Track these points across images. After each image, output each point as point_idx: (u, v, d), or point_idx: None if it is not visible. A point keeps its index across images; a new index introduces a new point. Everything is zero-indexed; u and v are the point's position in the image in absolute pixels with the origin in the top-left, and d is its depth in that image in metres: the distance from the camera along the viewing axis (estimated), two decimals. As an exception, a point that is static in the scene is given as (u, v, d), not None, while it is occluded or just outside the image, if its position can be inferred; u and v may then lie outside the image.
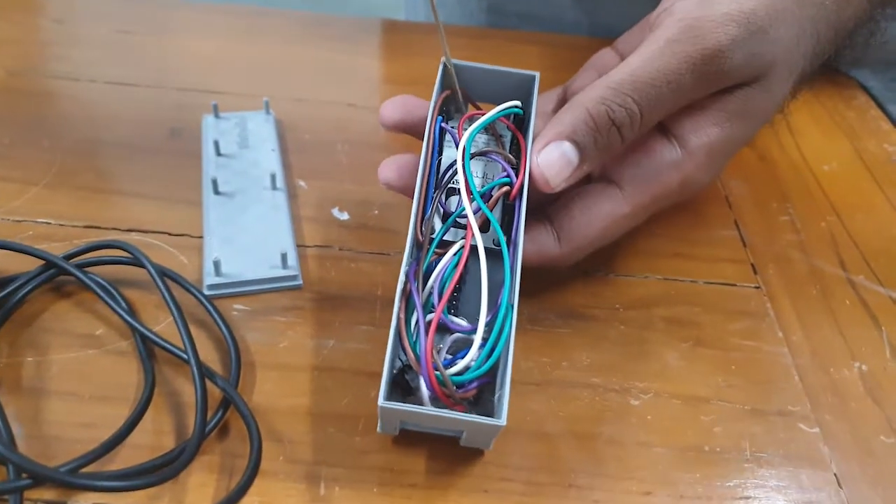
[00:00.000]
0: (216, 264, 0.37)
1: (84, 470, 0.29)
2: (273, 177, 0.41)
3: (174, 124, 0.46)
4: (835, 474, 0.33)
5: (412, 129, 0.37)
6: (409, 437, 0.32)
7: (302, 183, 0.43)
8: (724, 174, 0.46)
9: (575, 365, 0.36)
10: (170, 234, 0.40)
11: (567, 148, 0.33)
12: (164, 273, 0.36)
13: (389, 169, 0.37)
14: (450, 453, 0.32)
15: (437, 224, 0.34)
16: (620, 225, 0.36)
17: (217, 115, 0.45)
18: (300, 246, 0.40)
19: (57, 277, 0.37)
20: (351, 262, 0.39)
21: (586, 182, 0.37)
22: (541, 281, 0.39)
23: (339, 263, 0.39)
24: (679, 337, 0.37)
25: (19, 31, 0.54)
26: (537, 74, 0.37)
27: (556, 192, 0.36)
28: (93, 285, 0.35)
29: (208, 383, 0.32)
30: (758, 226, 0.43)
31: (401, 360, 0.31)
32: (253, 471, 0.29)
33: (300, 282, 0.37)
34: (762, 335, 0.38)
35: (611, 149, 0.34)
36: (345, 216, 0.41)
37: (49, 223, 0.40)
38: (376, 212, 0.42)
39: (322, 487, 0.30)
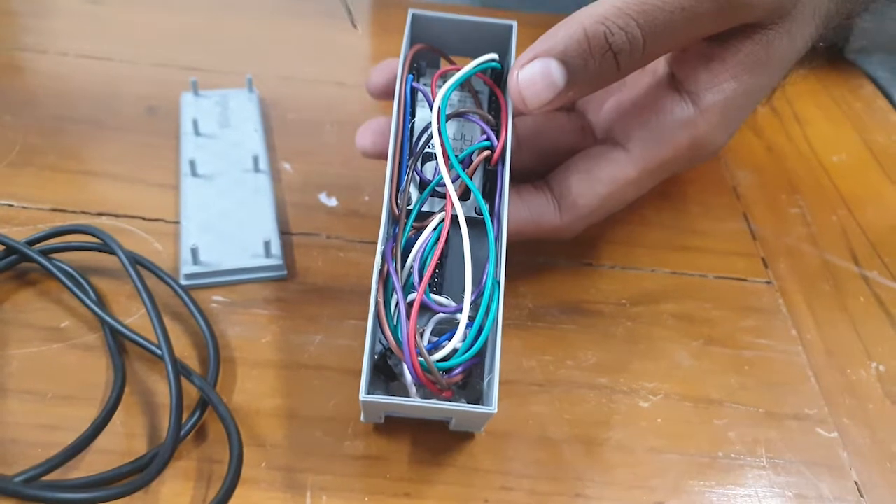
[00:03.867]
0: (194, 252, 0.34)
1: (45, 478, 0.27)
2: (256, 158, 0.38)
3: (151, 102, 0.43)
4: (855, 482, 0.31)
5: None
6: (399, 437, 0.30)
7: (287, 165, 0.40)
8: (732, 164, 0.44)
9: (580, 364, 0.33)
10: (144, 219, 0.37)
11: (553, 67, 0.29)
12: (136, 261, 0.33)
13: (364, 136, 0.34)
14: (447, 457, 0.29)
15: (414, 195, 0.31)
16: (626, 191, 0.33)
17: (196, 93, 0.42)
18: (284, 233, 0.37)
19: (19, 264, 0.34)
20: (339, 252, 0.36)
21: (590, 144, 0.34)
22: (542, 274, 0.36)
23: (326, 252, 0.36)
24: (689, 334, 0.35)
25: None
26: (514, 24, 0.33)
27: (554, 162, 0.33)
28: (58, 273, 0.32)
29: (184, 382, 0.29)
30: (767, 218, 0.41)
31: (382, 344, 0.29)
32: (233, 479, 0.27)
33: (284, 272, 0.35)
34: (775, 333, 0.36)
35: (603, 77, 0.30)
36: (333, 202, 0.39)
37: (11, 205, 0.37)
38: (367, 198, 0.39)
39: (308, 497, 0.28)
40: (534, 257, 0.37)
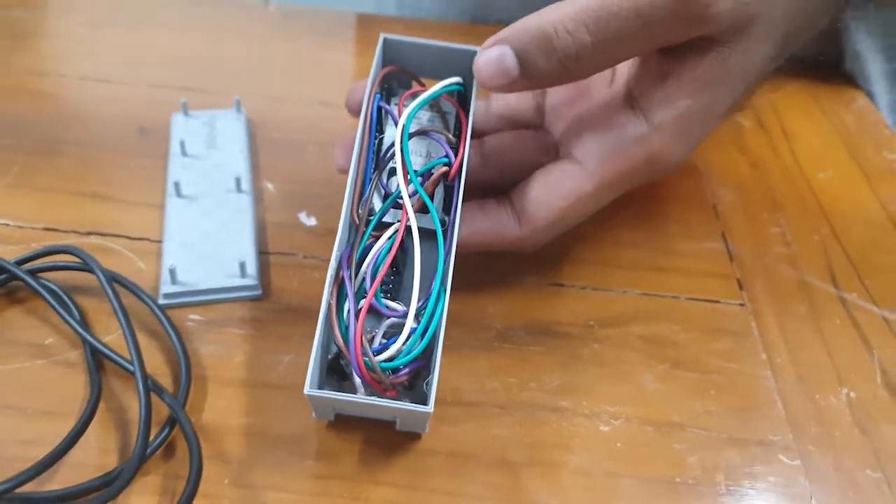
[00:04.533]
0: (172, 272, 0.35)
1: (18, 490, 0.28)
2: (238, 180, 0.40)
3: (143, 122, 0.44)
4: (814, 510, 0.31)
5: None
6: (367, 460, 0.31)
7: (270, 185, 0.41)
8: (714, 181, 0.44)
9: (543, 386, 0.34)
10: (129, 238, 0.38)
11: (508, 55, 0.31)
12: (115, 279, 0.34)
13: (340, 154, 0.36)
14: (409, 478, 0.30)
15: (378, 205, 0.32)
16: (584, 204, 0.34)
17: (186, 114, 0.44)
18: (263, 253, 0.38)
19: (10, 283, 0.35)
20: (314, 271, 0.37)
21: (550, 160, 0.35)
22: (512, 294, 0.37)
23: (301, 272, 0.37)
24: (657, 357, 0.35)
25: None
26: (479, 49, 0.34)
27: (519, 178, 0.34)
28: (43, 292, 0.34)
29: (156, 399, 0.31)
30: (746, 238, 0.41)
31: (337, 346, 0.30)
32: (189, 496, 0.28)
33: (259, 292, 0.36)
34: (745, 357, 0.36)
35: (552, 76, 0.31)
36: (312, 221, 0.40)
37: (7, 225, 0.38)
38: (346, 218, 0.40)
39: (268, 514, 0.29)
40: (504, 277, 0.38)
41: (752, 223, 0.42)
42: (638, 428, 0.33)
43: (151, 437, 0.30)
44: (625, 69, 0.36)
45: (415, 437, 0.31)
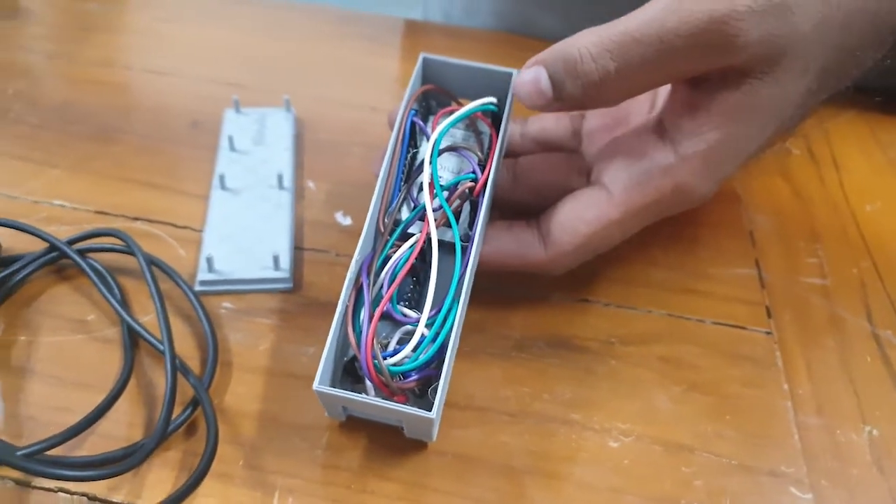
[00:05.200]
0: (209, 260, 0.37)
1: (50, 453, 0.30)
2: (280, 176, 0.41)
3: (196, 116, 0.46)
4: (821, 545, 0.30)
5: None
6: (372, 453, 0.32)
7: (311, 184, 0.43)
8: (752, 208, 0.44)
9: (556, 398, 0.34)
10: (174, 226, 0.40)
11: (543, 77, 0.32)
12: (154, 264, 0.36)
13: (377, 162, 0.36)
14: (413, 476, 0.31)
15: (405, 217, 0.33)
16: (610, 232, 0.34)
17: (238, 110, 0.46)
18: (298, 248, 0.39)
19: (60, 260, 0.37)
20: (345, 269, 0.38)
21: (582, 184, 0.36)
22: (536, 307, 0.37)
23: (332, 269, 0.39)
24: (674, 378, 0.35)
25: (62, 16, 0.55)
26: (515, 72, 0.36)
27: (550, 200, 0.35)
28: (89, 271, 0.36)
29: (181, 379, 0.32)
30: (780, 266, 0.41)
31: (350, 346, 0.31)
32: (201, 473, 0.29)
33: (290, 285, 0.37)
34: (765, 385, 0.35)
35: (580, 100, 0.32)
36: (347, 221, 0.41)
37: (63, 206, 0.41)
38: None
39: (276, 498, 0.30)
40: (531, 290, 0.38)
41: (787, 252, 0.42)
42: (647, 447, 0.33)
43: (175, 416, 0.31)
44: (663, 99, 0.36)
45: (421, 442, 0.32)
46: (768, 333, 0.38)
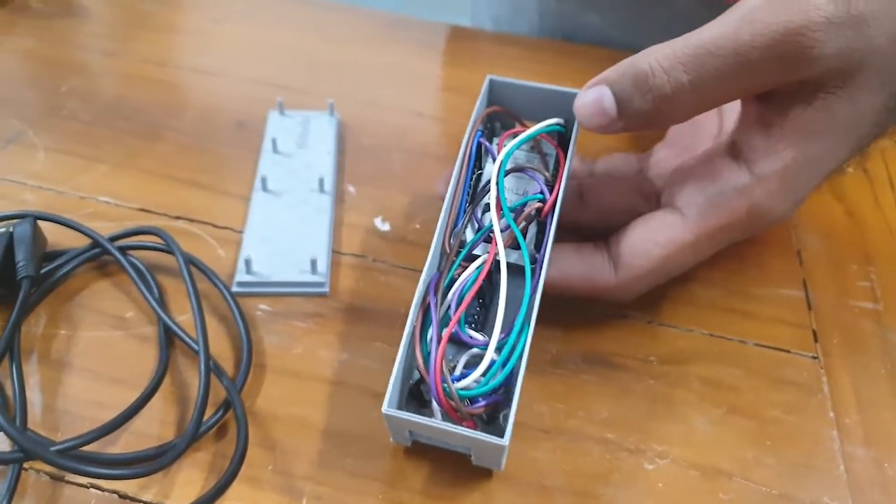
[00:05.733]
0: (247, 262, 0.37)
1: (85, 449, 0.30)
2: (322, 180, 0.41)
3: (242, 117, 0.47)
4: (864, 583, 0.29)
5: None
6: (400, 464, 0.31)
7: (351, 188, 0.43)
8: (801, 227, 0.42)
9: (592, 416, 0.33)
10: (214, 226, 0.40)
11: (606, 95, 0.31)
12: (192, 263, 0.36)
13: (444, 181, 0.36)
14: (438, 489, 0.31)
15: (470, 238, 0.33)
16: (683, 255, 0.33)
17: (282, 112, 0.46)
18: (336, 252, 0.39)
19: (102, 256, 0.38)
20: (381, 275, 0.38)
21: (653, 209, 0.35)
22: (574, 321, 0.37)
23: (369, 275, 0.38)
24: (713, 400, 0.34)
25: (117, 14, 0.56)
26: (580, 91, 0.35)
27: (616, 222, 0.34)
28: (129, 269, 0.36)
29: (215, 381, 0.33)
30: (829, 288, 0.39)
31: (418, 372, 0.31)
32: (230, 476, 0.29)
33: (326, 289, 0.37)
34: (809, 411, 0.34)
35: (650, 116, 0.31)
36: (386, 227, 0.41)
37: (108, 202, 0.41)
38: (418, 226, 0.41)
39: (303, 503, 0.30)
40: (569, 304, 0.37)
41: (837, 274, 0.40)
42: (683, 471, 0.32)
43: (206, 417, 0.32)
44: (733, 121, 0.35)
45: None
46: (814, 358, 0.36)
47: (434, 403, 0.28)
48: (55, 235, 0.38)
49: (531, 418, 0.33)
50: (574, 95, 0.35)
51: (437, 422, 0.28)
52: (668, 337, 0.37)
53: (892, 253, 0.42)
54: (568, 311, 0.37)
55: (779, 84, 0.31)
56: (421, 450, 0.32)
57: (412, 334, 0.30)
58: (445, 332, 0.29)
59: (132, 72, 0.50)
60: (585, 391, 0.34)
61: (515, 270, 0.32)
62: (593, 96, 0.31)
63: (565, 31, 0.58)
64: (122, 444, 0.32)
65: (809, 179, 0.33)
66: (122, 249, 0.37)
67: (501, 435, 0.29)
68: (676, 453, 0.32)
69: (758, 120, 0.32)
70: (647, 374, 0.35)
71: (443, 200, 0.36)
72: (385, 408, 0.28)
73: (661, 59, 0.30)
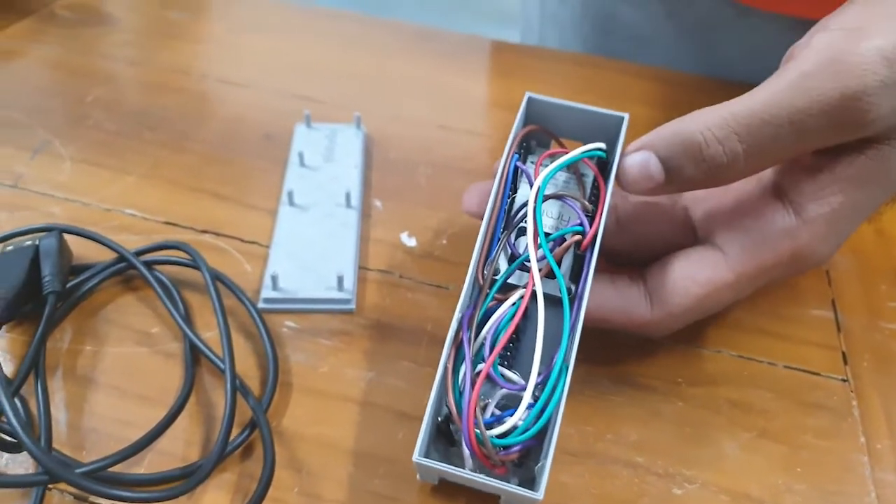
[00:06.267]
0: (274, 278, 0.37)
1: (111, 469, 0.30)
2: (348, 195, 0.41)
3: (269, 129, 0.47)
4: None
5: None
6: (424, 494, 0.31)
7: (378, 203, 0.43)
8: (832, 246, 0.42)
9: (620, 439, 0.33)
10: (241, 241, 0.40)
11: (653, 162, 0.31)
12: (219, 279, 0.36)
13: (471, 196, 0.36)
14: (465, 514, 0.30)
15: (503, 265, 0.32)
16: (722, 294, 0.33)
17: (309, 125, 0.46)
18: (362, 268, 0.39)
19: (128, 271, 0.38)
20: (408, 292, 0.38)
21: (690, 240, 0.35)
22: (601, 341, 0.36)
23: (396, 291, 0.38)
24: (743, 424, 0.34)
25: (145, 23, 0.56)
26: (626, 116, 0.34)
27: (650, 250, 0.34)
28: (155, 284, 0.36)
29: (241, 399, 0.32)
30: (859, 309, 0.39)
31: (448, 408, 0.30)
32: (257, 500, 0.29)
33: (353, 306, 0.37)
34: (841, 436, 0.34)
35: (700, 182, 0.31)
36: (412, 242, 0.41)
37: (134, 215, 0.41)
38: (444, 241, 0.41)
39: (330, 527, 0.30)
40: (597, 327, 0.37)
41: (867, 294, 0.40)
42: (712, 496, 0.32)
43: (233, 437, 0.31)
44: None
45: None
46: (844, 381, 0.36)
47: (465, 448, 0.28)
48: (81, 248, 0.38)
49: (559, 441, 0.33)
50: (616, 118, 0.34)
51: (468, 473, 0.27)
52: (696, 358, 0.36)
53: (923, 273, 0.41)
54: (594, 331, 0.36)
55: (833, 144, 0.31)
56: (448, 488, 0.31)
57: (444, 375, 0.29)
58: (480, 376, 0.28)
59: (158, 81, 0.50)
60: (613, 413, 0.34)
61: (550, 303, 0.31)
62: (639, 160, 0.31)
63: (604, 23, 0.58)
64: (147, 464, 0.32)
65: (854, 223, 0.33)
66: (148, 264, 0.37)
67: (532, 478, 0.28)
68: (706, 478, 0.32)
69: (807, 165, 0.32)
70: (676, 397, 0.35)
71: (470, 216, 0.35)
72: (416, 457, 0.27)
73: (713, 128, 0.30)
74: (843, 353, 0.37)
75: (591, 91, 0.35)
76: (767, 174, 0.34)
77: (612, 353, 0.36)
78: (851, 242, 0.42)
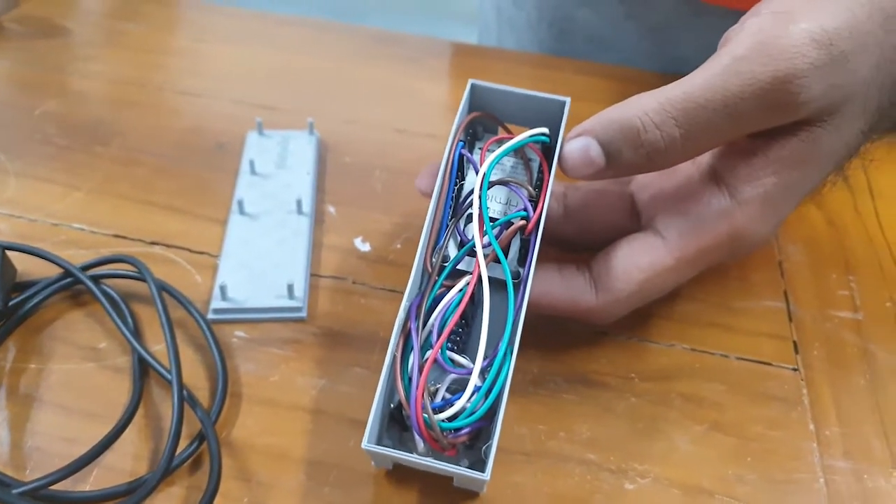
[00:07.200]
0: (222, 288, 0.36)
1: (53, 487, 0.30)
2: (300, 202, 0.41)
3: (222, 138, 0.46)
4: None
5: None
6: (380, 491, 0.31)
7: (332, 209, 0.42)
8: (783, 237, 0.42)
9: (573, 437, 0.33)
10: (190, 251, 0.40)
11: (593, 146, 0.31)
12: (166, 291, 0.36)
13: (423, 177, 0.35)
14: (417, 518, 0.30)
15: (453, 252, 0.32)
16: (664, 278, 0.33)
17: (261, 133, 0.45)
18: (314, 275, 0.39)
19: (75, 286, 0.37)
20: (361, 298, 0.38)
21: (636, 225, 0.35)
22: (555, 340, 0.36)
23: (348, 298, 0.38)
24: (694, 417, 0.34)
25: (100, 35, 0.56)
26: (567, 100, 0.34)
27: (599, 237, 0.34)
28: (102, 298, 0.36)
29: (189, 411, 0.32)
30: (810, 299, 0.39)
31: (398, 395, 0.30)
32: (202, 514, 0.29)
33: (304, 314, 0.37)
34: (790, 425, 0.34)
35: (639, 167, 0.31)
36: (366, 247, 0.40)
37: (83, 229, 0.41)
38: (399, 245, 0.41)
39: (280, 537, 0.30)
40: (548, 322, 0.37)
41: (818, 284, 0.40)
42: (664, 489, 0.32)
43: (180, 450, 0.31)
44: None
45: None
46: (795, 370, 0.36)
47: (416, 434, 0.28)
48: (26, 265, 0.38)
49: (512, 442, 0.33)
50: (558, 102, 0.34)
51: (418, 458, 0.28)
52: (650, 353, 0.36)
53: (871, 261, 0.41)
54: (548, 329, 0.36)
55: (767, 128, 0.31)
56: (403, 473, 0.31)
57: (392, 364, 0.29)
58: (428, 362, 0.28)
59: (111, 94, 0.50)
60: (566, 411, 0.34)
61: (497, 288, 0.31)
62: (580, 145, 0.31)
63: (561, 25, 0.58)
64: (93, 480, 0.31)
65: (790, 203, 0.33)
66: (95, 278, 0.37)
67: (483, 460, 0.29)
68: (658, 472, 0.32)
69: (741, 148, 0.33)
70: (629, 392, 0.35)
71: (423, 195, 0.35)
72: (365, 443, 0.28)
73: (651, 113, 0.30)
74: (795, 343, 0.37)
75: (552, 91, 0.35)
76: (705, 158, 0.34)
77: (566, 351, 0.36)
78: (803, 233, 0.42)
